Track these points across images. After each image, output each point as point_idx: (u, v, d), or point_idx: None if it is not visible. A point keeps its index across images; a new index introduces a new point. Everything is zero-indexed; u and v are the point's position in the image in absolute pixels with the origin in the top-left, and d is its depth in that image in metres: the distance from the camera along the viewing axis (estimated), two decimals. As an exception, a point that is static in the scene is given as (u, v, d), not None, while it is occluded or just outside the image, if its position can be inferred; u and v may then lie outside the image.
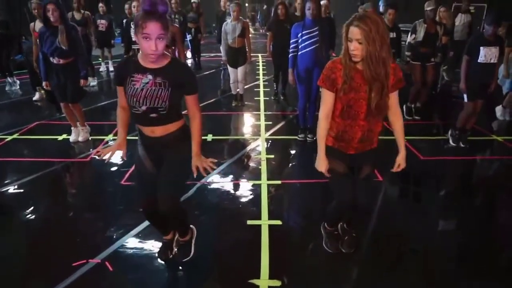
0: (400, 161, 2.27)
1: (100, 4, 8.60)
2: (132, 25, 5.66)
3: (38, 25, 5.23)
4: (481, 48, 4.18)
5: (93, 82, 7.79)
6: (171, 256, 2.60)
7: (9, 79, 7.51)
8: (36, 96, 6.68)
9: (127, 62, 2.18)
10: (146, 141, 2.22)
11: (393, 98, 2.14)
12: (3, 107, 6.60)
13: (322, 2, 7.44)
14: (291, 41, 4.42)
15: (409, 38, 5.66)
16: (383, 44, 1.92)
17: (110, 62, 9.12)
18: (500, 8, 12.14)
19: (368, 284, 2.45)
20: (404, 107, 5.71)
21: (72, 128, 4.86)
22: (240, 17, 5.94)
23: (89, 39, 7.39)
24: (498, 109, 5.85)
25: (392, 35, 5.50)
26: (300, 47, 4.32)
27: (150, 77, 2.04)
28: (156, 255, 2.62)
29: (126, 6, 7.51)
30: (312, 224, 2.99)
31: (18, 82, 7.69)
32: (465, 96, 4.45)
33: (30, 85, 6.86)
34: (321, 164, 2.23)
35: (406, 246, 2.80)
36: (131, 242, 2.83)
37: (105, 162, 2.30)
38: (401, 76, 2.12)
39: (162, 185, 2.20)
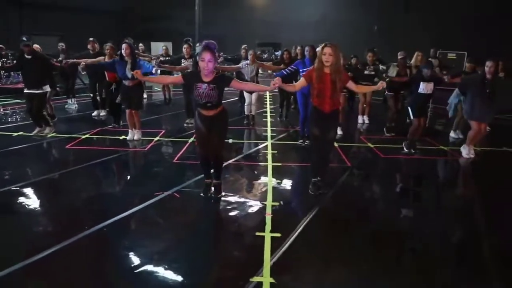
0: (378, 85, 4.37)
1: (140, 44, 10.80)
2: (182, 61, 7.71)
3: (106, 59, 7.32)
4: (421, 83, 6.11)
5: None
6: (209, 194, 4.30)
7: (69, 101, 9.58)
8: (95, 113, 8.66)
9: (194, 74, 4.01)
10: (202, 117, 3.98)
11: (351, 85, 4.30)
12: (69, 119, 8.60)
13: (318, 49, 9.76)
14: (292, 66, 6.34)
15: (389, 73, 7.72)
16: (340, 57, 4.04)
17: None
18: (477, 54, 14.37)
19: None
20: (384, 128, 7.65)
21: (130, 130, 6.70)
22: (256, 60, 7.92)
23: None
24: (452, 132, 7.61)
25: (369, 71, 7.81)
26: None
27: (206, 85, 3.83)
28: (201, 194, 4.31)
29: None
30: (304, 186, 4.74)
31: (76, 104, 9.73)
32: (411, 114, 6.31)
33: (88, 106, 8.87)
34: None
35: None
36: (186, 187, 4.57)
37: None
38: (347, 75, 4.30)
39: (214, 142, 3.98)
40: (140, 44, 10.82)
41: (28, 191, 4.40)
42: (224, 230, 3.69)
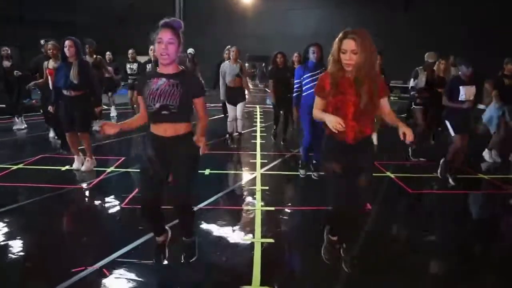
0: (404, 130, 2.28)
1: (108, 53, 9.23)
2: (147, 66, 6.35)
3: (51, 63, 5.69)
4: (461, 87, 4.58)
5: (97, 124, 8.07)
6: (163, 259, 2.69)
7: (16, 119, 7.84)
8: (51, 134, 6.94)
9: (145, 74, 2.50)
10: (155, 140, 2.42)
11: (385, 104, 2.45)
12: (10, 142, 6.91)
13: None
14: (295, 82, 4.71)
15: (411, 83, 6.06)
16: (373, 51, 2.28)
17: (113, 107, 9.46)
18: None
19: (368, 285, 2.60)
20: (409, 150, 5.96)
21: (75, 156, 5.06)
22: (238, 60, 6.39)
23: (101, 82, 7.68)
24: (485, 153, 6.10)
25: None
26: (304, 88, 4.55)
27: (164, 80, 2.32)
28: (152, 261, 2.71)
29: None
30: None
31: (25, 124, 7.99)
32: (451, 130, 4.76)
33: (36, 126, 7.23)
34: (332, 119, 2.30)
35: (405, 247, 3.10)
36: (128, 255, 2.91)
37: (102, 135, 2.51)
38: (385, 84, 2.49)
39: (178, 186, 2.41)
40: (108, 53, 9.22)
41: None
42: None
